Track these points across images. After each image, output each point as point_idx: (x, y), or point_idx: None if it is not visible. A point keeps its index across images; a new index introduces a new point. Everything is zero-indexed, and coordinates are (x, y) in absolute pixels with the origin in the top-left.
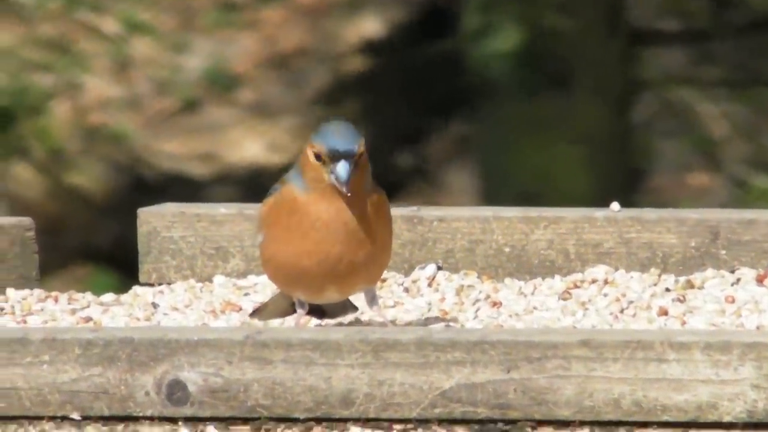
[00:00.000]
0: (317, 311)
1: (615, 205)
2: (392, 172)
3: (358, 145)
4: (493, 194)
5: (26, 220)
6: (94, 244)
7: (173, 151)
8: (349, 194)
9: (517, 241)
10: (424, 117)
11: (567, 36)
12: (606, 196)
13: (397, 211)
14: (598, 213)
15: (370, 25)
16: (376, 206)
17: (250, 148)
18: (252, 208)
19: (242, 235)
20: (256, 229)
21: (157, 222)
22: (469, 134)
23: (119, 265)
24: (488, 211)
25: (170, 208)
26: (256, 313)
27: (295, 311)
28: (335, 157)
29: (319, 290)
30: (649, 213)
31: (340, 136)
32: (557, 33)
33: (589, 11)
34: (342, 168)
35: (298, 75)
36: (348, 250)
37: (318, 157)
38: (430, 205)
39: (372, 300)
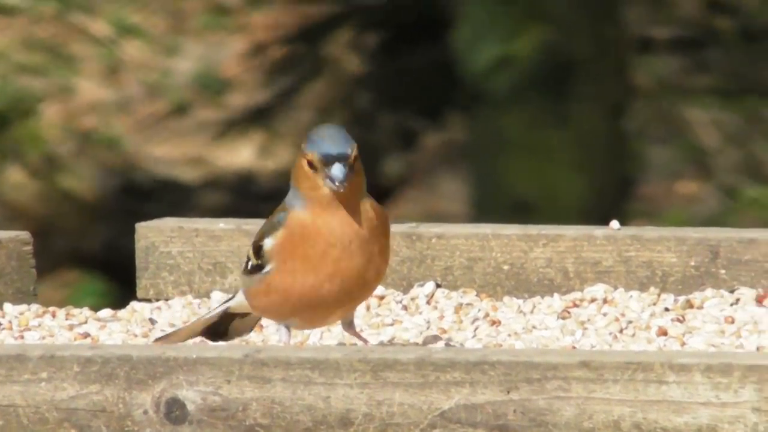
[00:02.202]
0: (214, 333)
1: (614, 224)
2: (382, 179)
3: (351, 149)
4: (487, 201)
5: (24, 235)
6: (84, 248)
7: (163, 155)
8: (342, 190)
9: (516, 259)
10: (415, 122)
11: (563, 45)
12: (600, 204)
13: (396, 228)
14: (598, 231)
15: (360, 27)
16: (379, 217)
17: (240, 152)
18: (251, 224)
19: (240, 250)
20: (261, 260)
21: (155, 237)
22: (462, 140)
23: (110, 270)
24: (487, 229)
25: (168, 222)
26: (162, 339)
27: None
28: (329, 161)
29: (325, 316)
30: (649, 231)
31: (332, 140)
32: (554, 43)
33: (586, 20)
34: (337, 169)
35: (288, 79)
36: (365, 263)
37: (311, 165)
38: (424, 215)
39: (350, 323)
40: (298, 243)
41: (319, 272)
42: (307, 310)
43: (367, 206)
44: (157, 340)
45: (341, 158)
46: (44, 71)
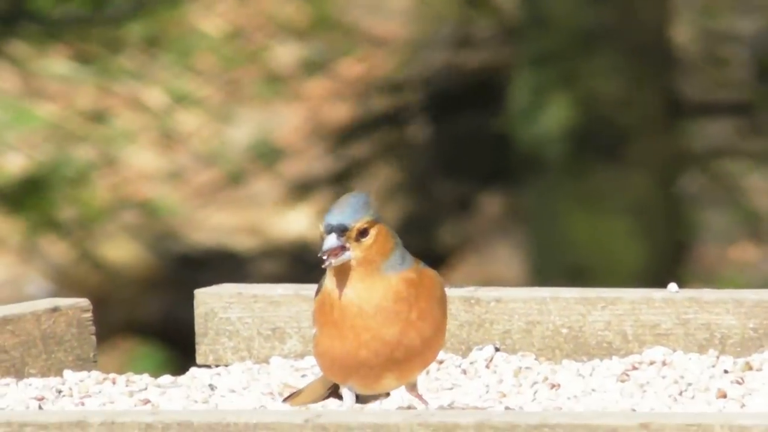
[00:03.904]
0: (340, 395)
1: (673, 286)
2: (437, 244)
3: (355, 220)
4: (543, 266)
5: (83, 302)
6: (142, 316)
7: (218, 223)
8: (328, 265)
9: (574, 322)
10: (470, 188)
11: (616, 110)
12: (656, 268)
13: (453, 292)
14: (656, 294)
15: (415, 96)
16: (414, 284)
17: (295, 221)
18: (308, 289)
19: (299, 315)
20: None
21: (214, 303)
22: (517, 205)
23: (167, 338)
24: (545, 292)
25: (227, 288)
26: (290, 398)
27: (329, 398)
28: (327, 232)
29: (376, 379)
30: (707, 294)
31: (339, 209)
32: (607, 108)
33: (641, 86)
34: (329, 240)
35: (343, 146)
36: (398, 332)
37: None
38: (481, 280)
39: (413, 386)
40: (328, 311)
41: (350, 340)
42: (354, 374)
43: (390, 277)
44: (286, 399)
45: (339, 229)
46: (98, 141)
